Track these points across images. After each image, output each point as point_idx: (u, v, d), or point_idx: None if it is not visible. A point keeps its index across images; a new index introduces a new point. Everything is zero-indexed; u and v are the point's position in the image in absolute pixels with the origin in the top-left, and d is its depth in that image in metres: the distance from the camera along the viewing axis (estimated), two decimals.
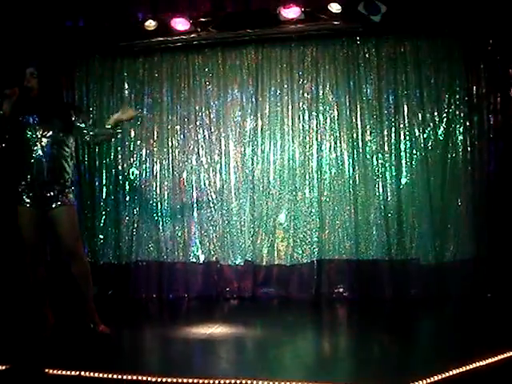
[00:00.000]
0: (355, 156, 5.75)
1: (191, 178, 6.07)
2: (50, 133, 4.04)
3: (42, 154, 4.01)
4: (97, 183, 6.22)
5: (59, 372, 3.42)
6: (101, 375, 3.36)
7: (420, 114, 5.65)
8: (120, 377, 3.34)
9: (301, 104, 5.90)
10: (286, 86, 5.93)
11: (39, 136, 4.03)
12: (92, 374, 3.37)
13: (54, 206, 4.07)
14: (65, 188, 4.10)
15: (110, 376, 3.35)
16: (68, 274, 4.33)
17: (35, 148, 4.01)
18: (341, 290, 5.73)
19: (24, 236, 4.15)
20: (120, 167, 6.18)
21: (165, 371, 3.55)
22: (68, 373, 3.41)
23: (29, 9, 5.56)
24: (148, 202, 6.11)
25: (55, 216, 4.07)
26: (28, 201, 4.05)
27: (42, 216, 4.08)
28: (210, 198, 6.03)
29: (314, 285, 5.74)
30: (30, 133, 4.04)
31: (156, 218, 6.08)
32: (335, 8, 5.34)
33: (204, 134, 6.07)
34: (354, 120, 5.77)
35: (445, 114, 5.59)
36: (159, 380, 3.29)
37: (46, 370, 3.44)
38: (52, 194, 4.05)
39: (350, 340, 4.52)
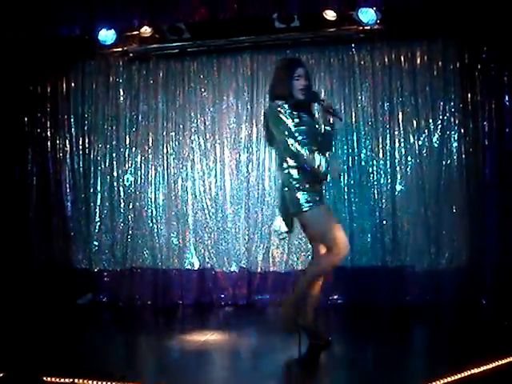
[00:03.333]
0: (350, 163, 5.75)
1: (186, 185, 6.07)
2: None
3: None
4: (91, 190, 6.21)
5: (56, 379, 3.41)
6: (94, 383, 3.34)
7: (415, 121, 5.65)
8: None
9: None
10: None
11: None
12: (86, 381, 3.36)
13: None
14: None
15: (103, 383, 3.34)
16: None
17: None
18: (335, 297, 5.72)
19: None
20: (115, 174, 6.17)
21: (159, 379, 3.54)
22: (63, 380, 3.39)
23: (24, 16, 5.56)
24: (143, 209, 6.10)
25: None
26: None
27: None
28: (205, 205, 6.02)
29: None
30: None
31: (151, 224, 6.07)
32: (330, 15, 5.34)
33: (199, 141, 6.07)
34: (349, 127, 5.78)
35: (440, 121, 5.60)
36: None
37: (43, 378, 3.43)
38: None
39: (344, 348, 4.50)
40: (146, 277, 6.03)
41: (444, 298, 5.39)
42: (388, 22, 5.28)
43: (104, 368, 3.72)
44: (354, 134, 5.77)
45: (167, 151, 6.11)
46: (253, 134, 5.97)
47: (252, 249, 5.90)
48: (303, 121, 3.97)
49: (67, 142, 6.29)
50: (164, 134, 6.12)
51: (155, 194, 6.10)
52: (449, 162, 5.59)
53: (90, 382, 3.35)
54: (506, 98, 5.13)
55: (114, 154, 6.18)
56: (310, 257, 5.73)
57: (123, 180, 6.17)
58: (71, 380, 3.38)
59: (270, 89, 4.23)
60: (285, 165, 3.98)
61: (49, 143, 6.30)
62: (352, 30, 5.48)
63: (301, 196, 3.90)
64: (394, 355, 4.00)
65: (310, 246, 5.71)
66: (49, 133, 6.31)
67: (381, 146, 5.72)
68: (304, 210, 3.91)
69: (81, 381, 3.36)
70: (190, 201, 6.06)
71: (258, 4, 5.51)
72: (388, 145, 5.70)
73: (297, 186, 3.92)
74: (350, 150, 5.76)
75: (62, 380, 3.39)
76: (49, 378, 3.39)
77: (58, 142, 6.30)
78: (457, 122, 5.58)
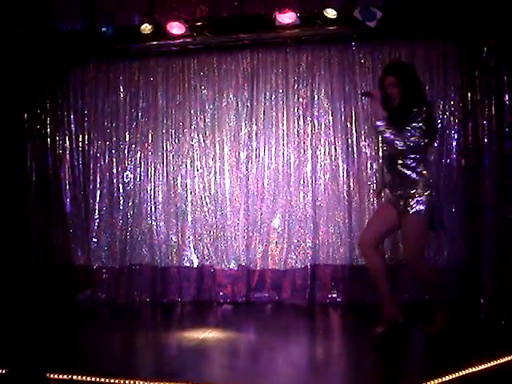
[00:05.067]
0: (350, 161, 5.76)
1: (185, 183, 6.07)
2: None
3: None
4: (91, 187, 6.21)
5: (60, 376, 3.42)
6: (93, 379, 3.35)
7: None
8: (113, 381, 3.33)
9: (296, 109, 5.91)
10: (281, 90, 5.94)
11: None
12: (86, 378, 3.36)
13: None
14: None
15: (103, 380, 3.34)
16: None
17: None
18: (334, 295, 5.72)
19: None
20: (114, 170, 6.17)
21: (158, 376, 3.55)
22: (62, 376, 3.40)
23: (24, 11, 5.56)
24: (142, 206, 6.10)
25: None
26: None
27: None
28: (205, 203, 6.03)
29: (308, 290, 5.74)
30: None
31: (150, 222, 6.07)
32: (331, 13, 5.33)
33: (199, 138, 6.07)
34: (349, 125, 5.78)
35: (439, 120, 5.59)
36: None
37: (47, 374, 3.44)
38: None
39: (343, 345, 4.52)
40: (144, 274, 6.03)
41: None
42: (388, 20, 5.27)
43: (102, 364, 3.73)
44: (354, 132, 5.77)
45: (167, 148, 6.11)
46: (252, 132, 5.97)
47: (251, 247, 5.91)
48: None
49: (67, 138, 6.28)
50: (164, 131, 6.12)
51: (154, 191, 6.11)
52: (448, 161, 5.60)
53: (89, 378, 3.35)
54: (506, 97, 5.11)
55: (113, 151, 6.18)
56: (309, 255, 5.77)
57: (123, 177, 6.17)
58: (69, 376, 3.39)
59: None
60: None
61: (48, 140, 6.29)
62: (352, 28, 5.47)
63: None
64: (392, 354, 4.00)
65: (308, 244, 5.77)
66: (48, 129, 6.30)
67: (380, 145, 5.71)
68: None
69: (79, 377, 3.37)
70: (190, 198, 6.06)
71: (259, 1, 5.52)
72: None
73: None
74: (350, 149, 5.77)
75: (61, 376, 3.40)
76: (47, 375, 3.40)
77: (57, 138, 6.30)
78: (457, 121, 5.59)
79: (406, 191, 4.06)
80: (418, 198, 4.01)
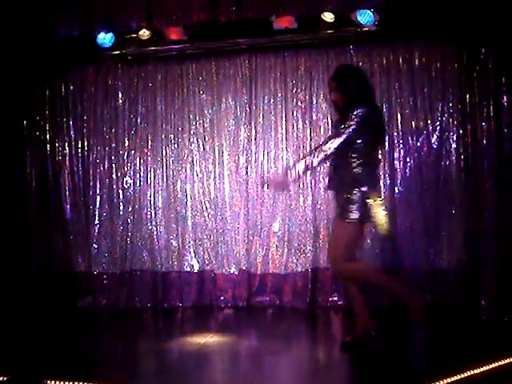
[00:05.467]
0: None
1: (185, 187, 6.07)
2: None
3: None
4: (91, 192, 6.21)
5: (57, 382, 3.41)
6: None
7: (413, 122, 5.66)
8: None
9: (294, 113, 5.91)
10: (279, 94, 5.94)
11: None
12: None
13: None
14: None
15: None
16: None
17: None
18: (335, 298, 5.72)
19: None
20: (114, 176, 6.17)
21: (159, 381, 3.54)
22: (65, 383, 3.40)
23: (23, 17, 5.58)
24: (142, 211, 6.10)
25: None
26: None
27: None
28: (204, 207, 6.03)
29: (309, 293, 5.74)
30: None
31: (150, 227, 6.07)
32: (328, 17, 5.35)
33: (198, 143, 6.08)
34: None
35: (438, 122, 5.61)
36: None
37: (46, 381, 3.43)
38: None
39: (345, 349, 4.51)
40: (145, 279, 6.03)
41: (443, 299, 5.40)
42: (386, 23, 5.28)
43: (103, 371, 3.72)
44: None
45: (166, 153, 6.11)
46: (252, 136, 5.97)
47: (251, 251, 5.91)
48: None
49: (66, 144, 6.28)
50: (163, 136, 6.12)
51: (154, 197, 6.10)
52: (447, 162, 5.60)
53: None
54: (505, 99, 5.13)
55: (112, 157, 6.18)
56: (309, 258, 5.77)
57: (122, 182, 6.17)
58: (71, 383, 3.38)
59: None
60: None
61: (48, 146, 6.29)
62: (350, 31, 5.48)
63: None
64: (393, 356, 4.00)
65: (308, 247, 5.77)
66: (48, 136, 6.30)
67: (380, 147, 5.71)
68: None
69: (80, 383, 3.36)
70: (190, 203, 6.06)
71: (257, 6, 5.54)
72: (386, 146, 5.70)
73: None
74: None
75: (63, 383, 3.40)
76: (48, 382, 3.39)
77: (57, 144, 6.29)
78: (455, 122, 5.59)
79: (340, 191, 4.06)
80: (350, 200, 3.97)
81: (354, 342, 4.14)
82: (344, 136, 3.92)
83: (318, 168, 5.79)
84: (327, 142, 3.97)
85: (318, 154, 3.93)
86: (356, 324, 4.18)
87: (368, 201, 3.95)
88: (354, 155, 3.99)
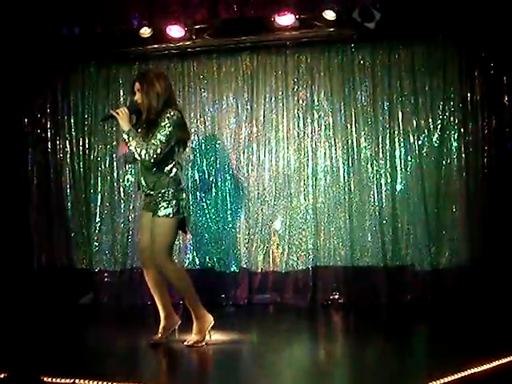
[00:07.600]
0: (350, 163, 5.76)
1: (186, 185, 6.07)
2: None
3: None
4: (92, 190, 6.21)
5: (56, 380, 3.41)
6: (95, 383, 3.34)
7: (415, 121, 5.66)
8: None
9: (296, 111, 5.91)
10: (280, 92, 5.94)
11: None
12: (87, 381, 3.36)
13: None
14: None
15: (104, 383, 3.34)
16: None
17: None
18: (336, 296, 5.73)
19: None
20: (115, 174, 6.18)
21: (160, 379, 3.54)
22: (64, 380, 3.39)
23: (24, 16, 5.57)
24: None
25: None
26: None
27: None
28: (205, 205, 6.03)
29: (310, 291, 5.75)
30: None
31: None
32: (330, 15, 5.35)
33: (199, 141, 6.07)
34: (349, 127, 5.78)
35: (439, 121, 5.61)
36: None
37: (43, 378, 3.43)
38: None
39: (346, 347, 4.51)
40: None
41: (444, 298, 5.40)
42: (387, 22, 5.28)
43: (104, 368, 3.72)
44: (354, 133, 5.77)
45: None
46: (252, 134, 5.97)
47: (252, 249, 5.91)
48: None
49: (67, 142, 6.28)
50: None
51: None
52: (448, 161, 5.61)
53: (91, 382, 3.35)
54: (506, 98, 5.14)
55: (114, 155, 6.17)
56: (310, 256, 5.77)
57: (123, 180, 6.17)
58: (72, 380, 3.38)
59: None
60: None
61: (49, 144, 6.30)
62: (351, 30, 5.49)
63: None
64: (394, 355, 4.00)
65: (309, 245, 5.77)
66: (49, 134, 6.30)
67: (381, 146, 5.73)
68: None
69: (81, 381, 3.36)
70: (190, 201, 6.05)
71: (258, 4, 5.53)
72: (388, 145, 5.71)
73: None
74: (350, 150, 5.77)
75: (63, 380, 3.39)
76: (49, 379, 3.39)
77: (58, 142, 6.29)
78: (456, 121, 5.60)
79: (155, 192, 4.10)
80: (166, 200, 4.07)
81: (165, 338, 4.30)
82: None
83: (319, 168, 5.83)
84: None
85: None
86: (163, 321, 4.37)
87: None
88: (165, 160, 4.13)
